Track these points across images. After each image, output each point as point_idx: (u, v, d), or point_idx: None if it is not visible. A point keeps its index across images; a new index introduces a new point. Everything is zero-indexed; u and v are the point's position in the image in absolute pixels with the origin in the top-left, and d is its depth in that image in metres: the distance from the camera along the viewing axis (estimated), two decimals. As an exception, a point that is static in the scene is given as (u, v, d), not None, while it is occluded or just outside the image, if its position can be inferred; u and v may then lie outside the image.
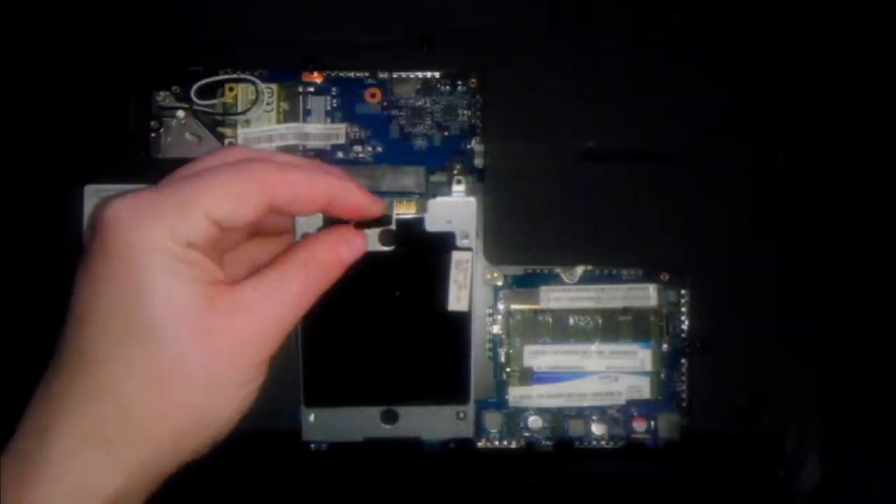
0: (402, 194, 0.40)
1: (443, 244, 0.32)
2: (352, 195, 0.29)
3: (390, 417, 0.34)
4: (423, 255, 0.32)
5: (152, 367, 0.25)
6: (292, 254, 0.29)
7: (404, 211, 0.32)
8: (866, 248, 0.40)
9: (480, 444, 0.40)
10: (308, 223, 0.31)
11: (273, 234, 0.32)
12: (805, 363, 0.40)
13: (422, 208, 0.32)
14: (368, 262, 0.30)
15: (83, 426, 0.25)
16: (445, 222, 0.32)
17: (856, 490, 0.39)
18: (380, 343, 0.33)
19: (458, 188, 0.33)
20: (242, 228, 0.28)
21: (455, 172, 0.40)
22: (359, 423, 0.34)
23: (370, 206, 0.30)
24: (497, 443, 0.41)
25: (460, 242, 0.32)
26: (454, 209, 0.32)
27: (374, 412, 0.34)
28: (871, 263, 0.40)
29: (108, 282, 0.25)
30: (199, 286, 0.26)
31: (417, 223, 0.32)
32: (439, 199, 0.32)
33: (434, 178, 0.40)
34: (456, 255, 0.32)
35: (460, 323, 0.33)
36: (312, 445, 0.40)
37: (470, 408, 0.34)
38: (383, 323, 0.33)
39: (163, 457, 0.26)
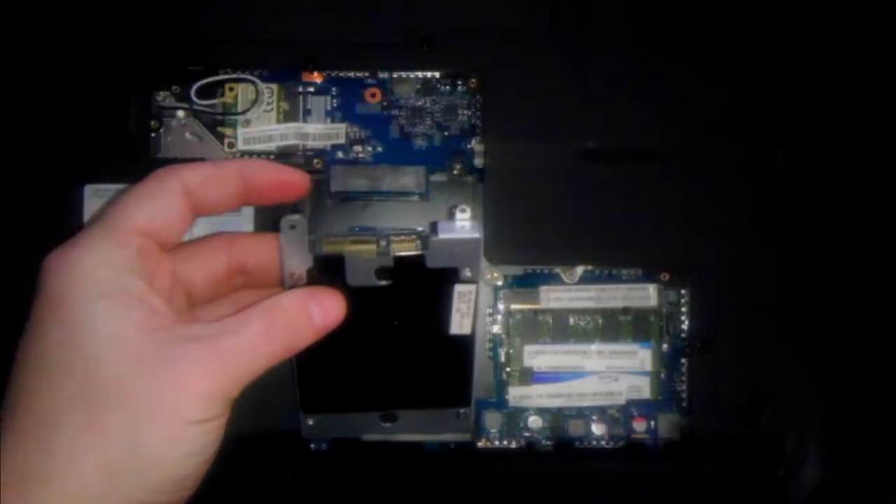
0: (402, 194, 0.40)
1: (445, 278, 0.30)
2: (263, 167, 0.29)
3: (390, 418, 0.34)
4: (423, 288, 0.30)
5: (84, 395, 0.23)
6: (259, 302, 0.27)
7: (404, 249, 0.29)
8: (866, 248, 0.40)
9: (480, 444, 0.40)
10: (296, 261, 0.29)
11: (262, 285, 0.31)
12: (805, 363, 0.40)
13: (423, 245, 0.29)
14: (364, 293, 0.29)
15: (8, 468, 0.23)
16: (448, 257, 0.29)
17: (856, 490, 0.39)
18: (379, 367, 0.32)
19: (463, 217, 0.29)
20: (177, 232, 0.28)
21: (455, 173, 0.40)
22: (359, 425, 0.34)
23: (287, 173, 0.29)
24: (497, 443, 0.41)
25: (463, 276, 0.30)
26: (459, 247, 0.29)
27: (374, 416, 0.34)
28: (871, 263, 0.40)
29: (44, 320, 0.24)
30: (136, 314, 0.24)
31: (418, 260, 0.29)
32: (442, 237, 0.29)
33: (434, 177, 0.40)
34: (459, 288, 0.30)
35: (462, 344, 0.32)
36: (312, 445, 0.40)
37: (471, 410, 0.34)
38: (382, 347, 0.32)
39: (91, 496, 0.23)
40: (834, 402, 0.40)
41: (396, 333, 0.32)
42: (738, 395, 0.40)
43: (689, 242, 0.40)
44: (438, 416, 0.34)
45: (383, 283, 0.30)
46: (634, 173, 0.40)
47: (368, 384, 0.33)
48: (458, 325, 0.31)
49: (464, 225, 0.29)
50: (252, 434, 0.37)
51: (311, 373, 0.32)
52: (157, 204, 0.27)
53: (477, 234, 0.29)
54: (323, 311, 0.28)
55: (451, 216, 0.31)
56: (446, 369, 0.33)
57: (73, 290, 0.24)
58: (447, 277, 0.30)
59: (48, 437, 0.23)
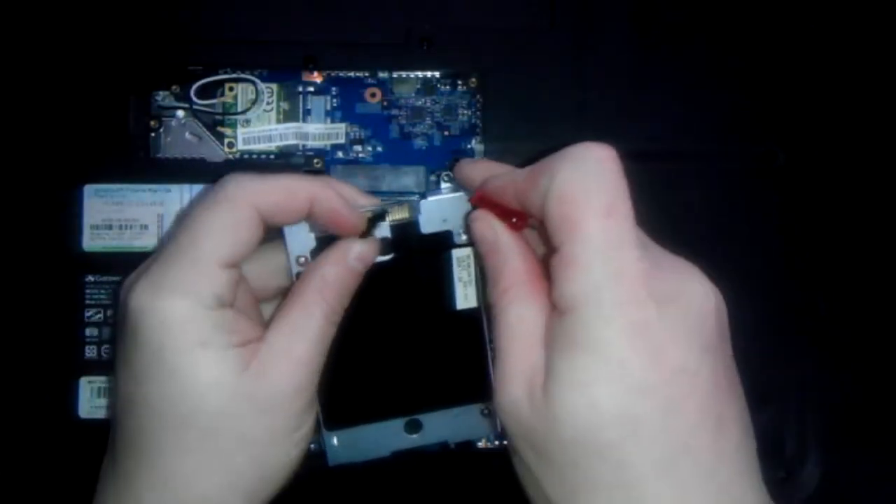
0: (402, 193, 0.40)
1: (441, 244, 0.31)
2: (330, 200, 0.29)
3: (415, 427, 0.33)
4: (422, 258, 0.31)
5: (208, 446, 0.26)
6: (306, 284, 0.29)
7: (397, 216, 0.31)
8: (866, 248, 0.40)
9: (480, 445, 0.40)
10: (300, 246, 0.30)
11: None
12: (805, 363, 0.40)
13: (414, 211, 0.31)
14: (368, 274, 0.30)
15: None
16: (441, 221, 0.31)
17: (856, 490, 0.39)
18: (393, 353, 0.32)
19: (447, 185, 0.33)
20: (250, 253, 0.29)
21: (443, 172, 0.40)
22: (384, 437, 0.33)
23: (349, 216, 0.29)
24: (497, 443, 0.41)
25: (458, 239, 0.31)
26: (447, 207, 0.31)
27: (398, 424, 0.33)
28: (871, 263, 0.40)
29: (147, 371, 0.26)
30: (231, 352, 0.26)
31: (412, 227, 0.31)
32: (431, 199, 0.31)
33: (434, 177, 0.40)
34: (456, 253, 0.31)
35: (471, 319, 0.32)
36: (312, 445, 0.39)
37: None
38: (393, 332, 0.32)
39: None
40: (834, 402, 0.40)
41: (406, 318, 0.32)
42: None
43: (689, 242, 0.40)
44: (462, 417, 0.33)
45: (385, 258, 0.31)
46: (634, 173, 0.39)
47: (387, 384, 0.33)
48: (463, 296, 0.32)
49: (448, 189, 0.31)
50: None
51: (329, 380, 0.31)
52: (235, 237, 0.27)
53: (462, 193, 0.31)
54: (358, 255, 0.29)
55: (437, 184, 0.35)
56: (461, 356, 0.32)
57: (170, 339, 0.25)
58: (444, 245, 0.31)
59: (183, 490, 0.26)
